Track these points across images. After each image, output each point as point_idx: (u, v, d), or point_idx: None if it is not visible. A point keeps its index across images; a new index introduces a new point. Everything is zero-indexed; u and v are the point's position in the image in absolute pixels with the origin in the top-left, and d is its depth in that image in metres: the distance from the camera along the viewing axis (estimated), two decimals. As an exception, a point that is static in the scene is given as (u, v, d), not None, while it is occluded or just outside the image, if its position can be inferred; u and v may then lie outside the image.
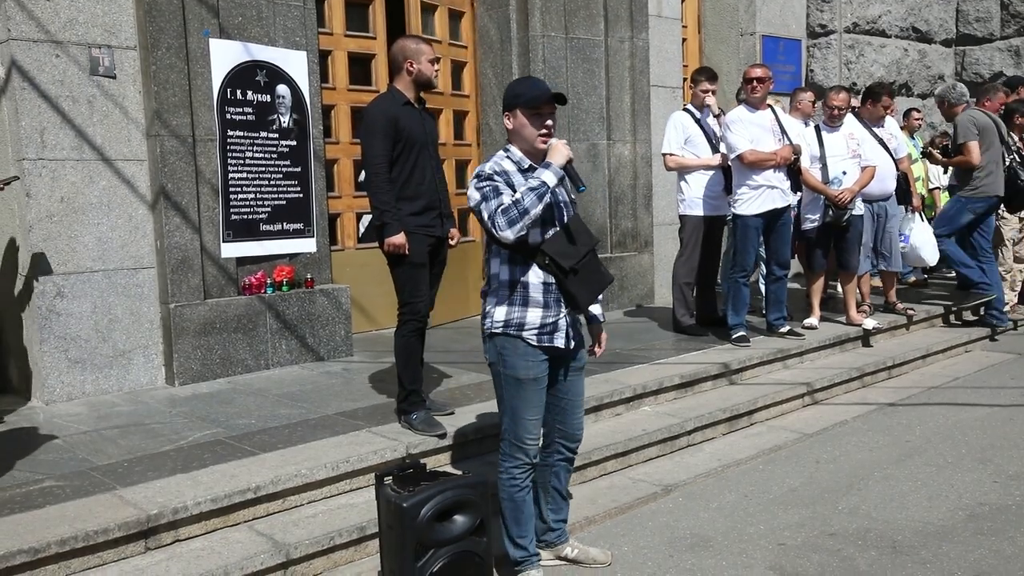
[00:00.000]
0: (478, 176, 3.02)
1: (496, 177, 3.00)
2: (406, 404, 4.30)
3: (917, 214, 7.22)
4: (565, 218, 3.12)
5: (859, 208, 6.42)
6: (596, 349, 3.39)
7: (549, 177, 2.95)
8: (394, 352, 4.32)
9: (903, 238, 7.11)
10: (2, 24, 4.80)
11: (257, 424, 4.43)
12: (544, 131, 3.05)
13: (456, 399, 4.78)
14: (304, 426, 4.37)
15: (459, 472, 3.67)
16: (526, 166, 3.07)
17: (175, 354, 5.29)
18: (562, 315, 3.12)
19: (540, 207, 2.92)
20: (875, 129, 6.80)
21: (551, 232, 3.06)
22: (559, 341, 3.12)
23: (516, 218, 2.90)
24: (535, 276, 3.07)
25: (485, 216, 2.96)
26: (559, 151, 3.01)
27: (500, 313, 3.11)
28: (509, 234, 2.92)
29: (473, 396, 4.86)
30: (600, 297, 3.33)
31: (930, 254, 7.20)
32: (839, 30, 9.61)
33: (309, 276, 5.93)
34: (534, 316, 3.08)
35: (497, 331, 3.12)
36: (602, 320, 3.41)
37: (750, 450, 4.85)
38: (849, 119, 6.82)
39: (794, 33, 9.67)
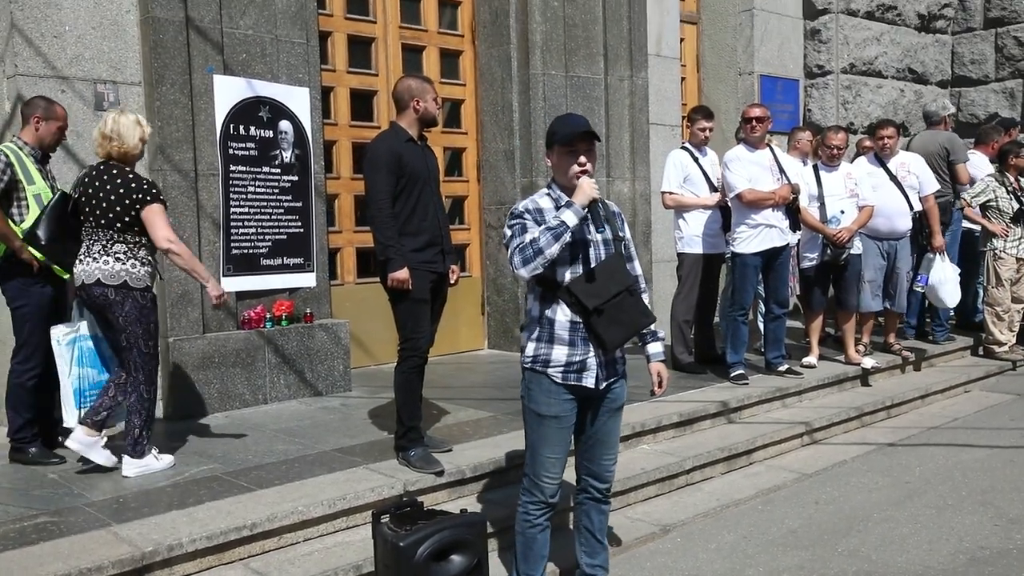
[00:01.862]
0: (511, 214, 3.07)
1: (526, 215, 3.04)
2: (404, 440, 4.29)
3: (938, 255, 7.05)
4: (596, 257, 3.10)
5: (857, 247, 6.45)
6: (656, 389, 3.37)
7: (569, 217, 2.95)
8: (394, 388, 4.32)
9: (921, 279, 7.06)
10: (10, 60, 4.86)
11: (254, 460, 4.41)
12: (579, 168, 3.05)
13: (454, 436, 4.76)
14: (301, 462, 4.35)
15: (456, 511, 3.64)
16: (564, 203, 3.06)
17: (173, 388, 5.27)
18: (591, 355, 3.10)
19: (557, 247, 2.92)
20: (889, 166, 6.83)
21: (581, 270, 3.07)
22: (588, 381, 3.10)
23: (530, 257, 2.92)
24: (562, 314, 3.07)
25: (508, 253, 3.00)
26: (583, 191, 3.02)
27: (530, 348, 3.14)
28: (524, 272, 2.96)
29: (471, 433, 4.85)
30: (661, 335, 3.36)
31: (949, 295, 7.09)
32: (836, 71, 9.72)
33: (308, 311, 5.94)
34: (559, 353, 3.08)
35: (526, 365, 3.15)
36: (663, 359, 3.38)
37: (749, 490, 4.82)
38: (860, 160, 6.92)
39: (792, 73, 9.78)
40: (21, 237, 4.30)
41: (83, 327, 4.30)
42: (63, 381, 4.26)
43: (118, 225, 4.10)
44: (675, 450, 5.04)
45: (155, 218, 4.12)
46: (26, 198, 4.35)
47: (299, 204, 5.91)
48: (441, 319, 4.57)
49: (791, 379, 6.19)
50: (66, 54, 5.00)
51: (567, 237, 2.93)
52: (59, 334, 4.26)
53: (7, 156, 4.29)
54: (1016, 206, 7.41)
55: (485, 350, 7.65)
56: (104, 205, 4.09)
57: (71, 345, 4.26)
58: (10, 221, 4.30)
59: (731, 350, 6.15)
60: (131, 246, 4.15)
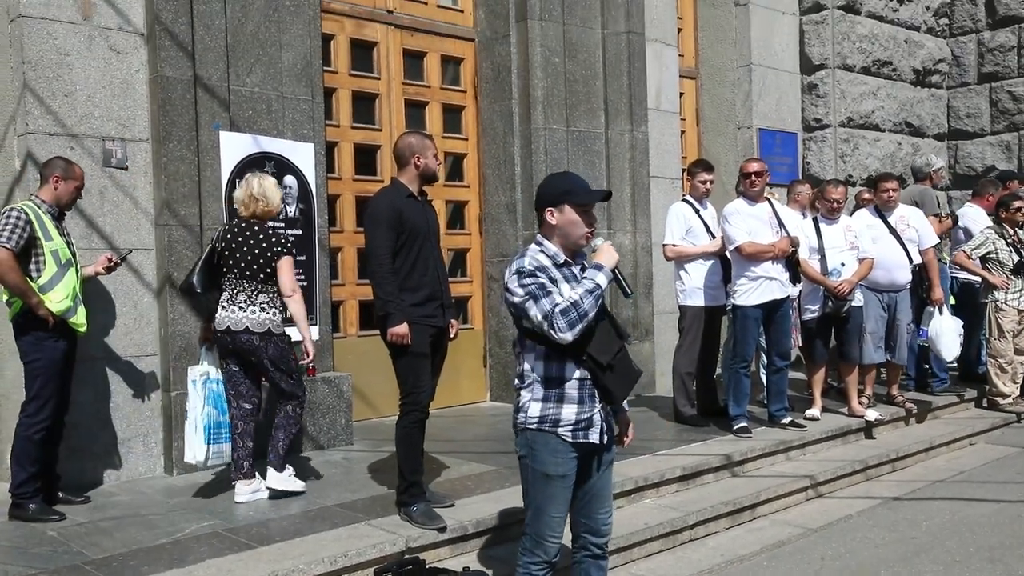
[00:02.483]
0: (519, 272, 3.01)
1: (539, 274, 3.01)
2: (406, 496, 4.26)
3: (938, 307, 7.06)
4: (602, 315, 3.14)
5: (858, 299, 6.48)
6: (624, 439, 3.37)
7: (602, 279, 3.00)
8: (395, 442, 4.31)
9: (922, 332, 7.06)
10: (21, 119, 4.95)
11: (255, 516, 4.38)
12: (588, 230, 3.10)
13: (456, 491, 4.74)
14: (303, 518, 4.32)
15: (459, 568, 3.62)
16: (561, 261, 3.09)
17: (174, 443, 5.26)
18: (596, 410, 3.10)
19: (596, 309, 2.96)
20: (888, 219, 6.88)
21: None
22: (594, 436, 3.10)
23: (576, 320, 2.92)
24: (571, 372, 3.06)
25: (537, 315, 2.95)
26: (609, 253, 3.07)
27: (535, 409, 3.08)
28: (569, 336, 2.93)
29: (474, 488, 4.82)
30: None
31: (948, 348, 7.07)
32: (834, 124, 9.85)
33: (311, 364, 5.93)
34: (569, 412, 3.06)
35: (531, 427, 3.09)
36: (627, 409, 3.40)
37: (754, 545, 4.77)
38: (861, 212, 6.99)
39: (790, 126, 9.91)
40: (38, 292, 4.38)
41: (212, 370, 4.75)
42: (194, 418, 4.66)
43: (261, 276, 4.65)
44: (679, 504, 5.00)
45: (287, 267, 4.68)
46: (43, 254, 4.43)
47: (303, 258, 5.96)
48: (442, 372, 4.58)
49: (794, 432, 6.16)
50: (76, 112, 5.10)
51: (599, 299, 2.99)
52: (195, 375, 4.72)
53: (27, 214, 4.38)
54: (1016, 258, 7.45)
55: (487, 402, 7.63)
56: (249, 258, 4.63)
57: (204, 386, 4.70)
58: (27, 277, 4.37)
59: (733, 403, 6.14)
60: (271, 296, 4.69)
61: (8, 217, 4.35)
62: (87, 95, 5.14)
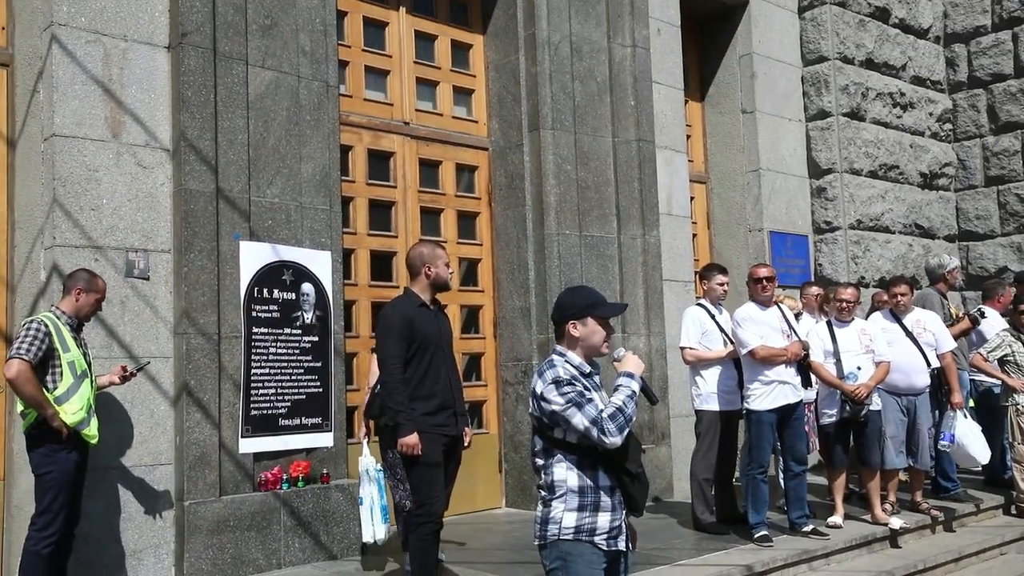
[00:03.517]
0: (557, 382, 3.09)
1: (575, 382, 3.11)
2: (421, 611, 4.18)
3: (959, 411, 6.94)
4: None
5: (876, 403, 6.42)
6: (632, 546, 3.34)
7: (635, 386, 3.13)
8: (409, 554, 4.25)
9: (944, 436, 6.95)
10: (49, 232, 5.10)
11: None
12: (608, 338, 3.27)
13: (471, 605, 4.63)
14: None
15: None
16: (586, 371, 3.20)
17: (186, 554, 5.19)
18: (621, 517, 3.16)
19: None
20: (904, 322, 6.89)
21: None
22: (622, 543, 3.15)
23: (624, 424, 3.03)
24: (603, 480, 3.11)
25: (583, 422, 3.02)
26: (636, 362, 3.21)
27: (570, 519, 3.08)
28: (619, 440, 3.02)
29: (489, 601, 4.71)
30: None
31: (979, 450, 6.91)
32: (844, 226, 9.95)
33: (325, 471, 5.91)
34: (604, 520, 3.10)
35: (567, 537, 3.08)
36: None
37: (779, 663, 4.61)
38: (875, 315, 6.99)
39: (800, 229, 10.01)
40: (54, 404, 4.41)
41: (373, 460, 5.31)
42: (371, 504, 5.22)
43: None
44: (699, 619, 4.86)
45: None
46: (61, 366, 4.49)
47: (319, 364, 6.00)
48: (457, 477, 4.54)
49: (817, 540, 6.01)
50: (102, 225, 5.24)
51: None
52: (369, 465, 5.29)
53: (47, 326, 4.47)
54: (1033, 360, 7.38)
55: (503, 508, 7.51)
56: None
57: (372, 474, 5.24)
58: (44, 388, 4.42)
59: (752, 510, 6.03)
60: None
61: (28, 329, 4.43)
62: (113, 208, 5.30)
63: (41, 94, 5.23)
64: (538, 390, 3.12)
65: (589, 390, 3.12)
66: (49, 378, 4.47)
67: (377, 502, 5.20)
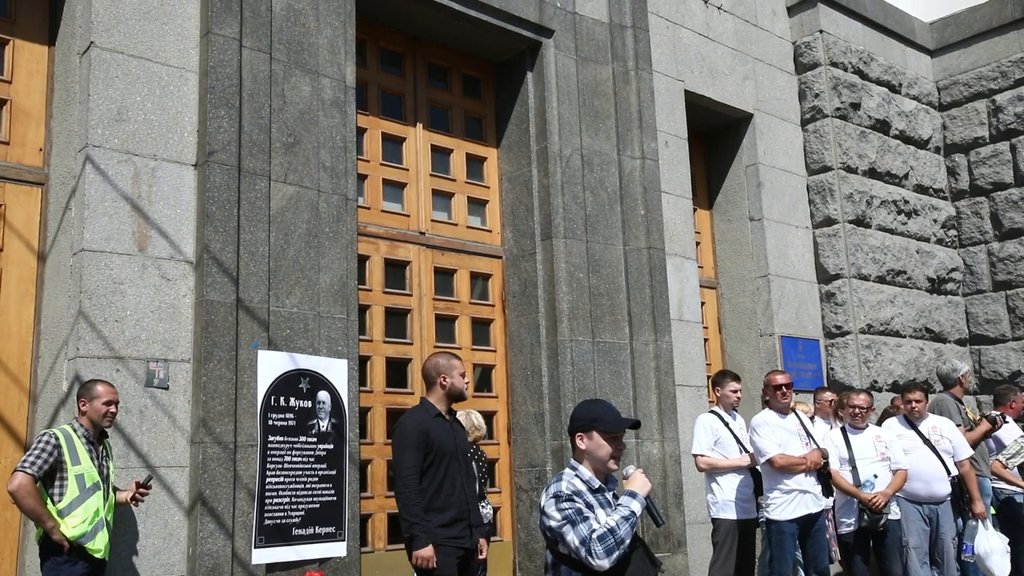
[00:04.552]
0: (557, 497, 3.09)
1: (576, 499, 3.08)
2: None
3: (981, 521, 6.87)
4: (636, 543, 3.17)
5: (895, 512, 6.33)
6: None
7: (636, 507, 3.08)
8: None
9: (967, 548, 6.83)
10: (73, 343, 5.21)
11: None
12: (617, 454, 3.22)
13: None
14: None
15: None
16: (596, 486, 3.18)
17: (195, 670, 5.09)
18: None
19: (631, 536, 3.01)
20: (920, 429, 6.85)
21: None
22: None
23: (613, 547, 2.97)
24: None
25: (574, 540, 2.99)
26: (642, 481, 3.16)
27: None
28: (606, 563, 2.96)
29: None
30: None
31: (999, 566, 6.79)
32: (854, 331, 9.99)
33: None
34: None
35: None
36: None
37: None
38: (890, 422, 6.97)
39: (811, 333, 10.06)
40: (56, 516, 4.43)
41: None
42: None
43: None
44: None
45: None
46: (68, 478, 4.53)
47: (333, 472, 6.00)
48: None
49: (841, 657, 5.86)
50: (124, 336, 5.35)
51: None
52: None
53: (57, 439, 4.53)
54: (1054, 468, 7.31)
55: (517, 621, 7.35)
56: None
57: None
58: (49, 500, 4.45)
59: (774, 624, 5.89)
60: None
61: (39, 441, 4.52)
62: (136, 319, 5.42)
63: (73, 211, 5.43)
64: (542, 503, 3.15)
65: (591, 507, 3.07)
66: (55, 490, 4.51)
67: None
